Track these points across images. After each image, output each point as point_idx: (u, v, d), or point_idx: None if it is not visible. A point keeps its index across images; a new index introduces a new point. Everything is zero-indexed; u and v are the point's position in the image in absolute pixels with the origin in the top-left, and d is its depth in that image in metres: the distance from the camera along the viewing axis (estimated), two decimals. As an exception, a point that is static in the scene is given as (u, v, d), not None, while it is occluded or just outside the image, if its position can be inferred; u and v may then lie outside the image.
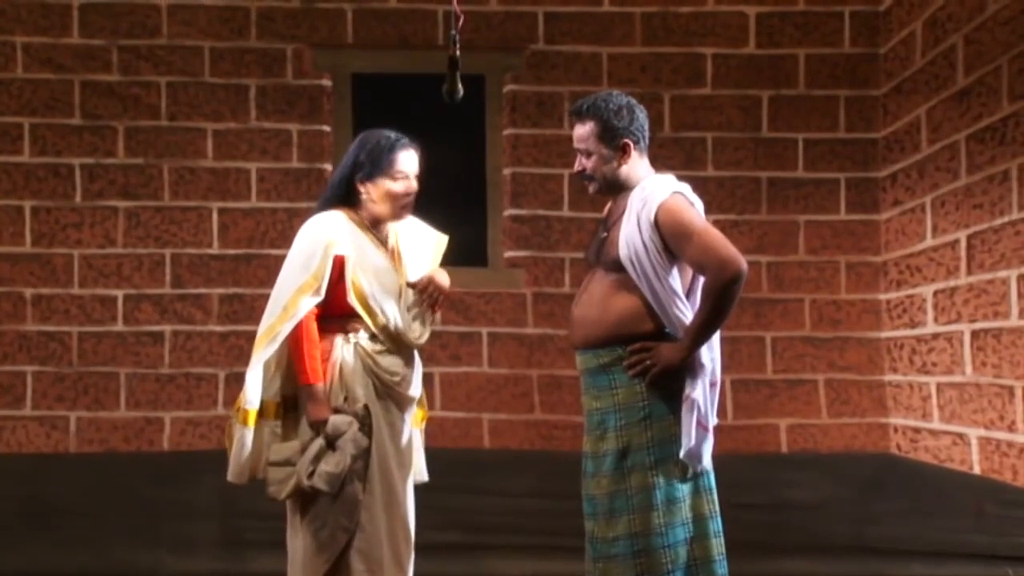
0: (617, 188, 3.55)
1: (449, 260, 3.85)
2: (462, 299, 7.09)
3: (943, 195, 6.44)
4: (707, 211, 7.35)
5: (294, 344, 3.42)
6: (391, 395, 3.50)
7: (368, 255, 3.45)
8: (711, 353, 3.42)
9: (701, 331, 3.31)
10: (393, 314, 3.47)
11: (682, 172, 7.60)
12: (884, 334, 7.21)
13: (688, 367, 3.33)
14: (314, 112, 7.24)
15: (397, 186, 3.46)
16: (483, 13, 7.19)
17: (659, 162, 7.46)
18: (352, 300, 3.41)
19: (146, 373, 7.02)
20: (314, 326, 3.42)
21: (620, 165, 3.54)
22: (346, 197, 3.52)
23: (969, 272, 6.16)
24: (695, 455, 3.35)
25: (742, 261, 3.35)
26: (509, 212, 7.24)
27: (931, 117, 6.60)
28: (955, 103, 6.32)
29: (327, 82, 7.31)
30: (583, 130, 3.52)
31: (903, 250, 6.94)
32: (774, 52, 7.32)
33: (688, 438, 3.32)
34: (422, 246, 3.67)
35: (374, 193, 3.46)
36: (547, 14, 7.29)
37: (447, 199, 7.11)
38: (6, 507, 5.67)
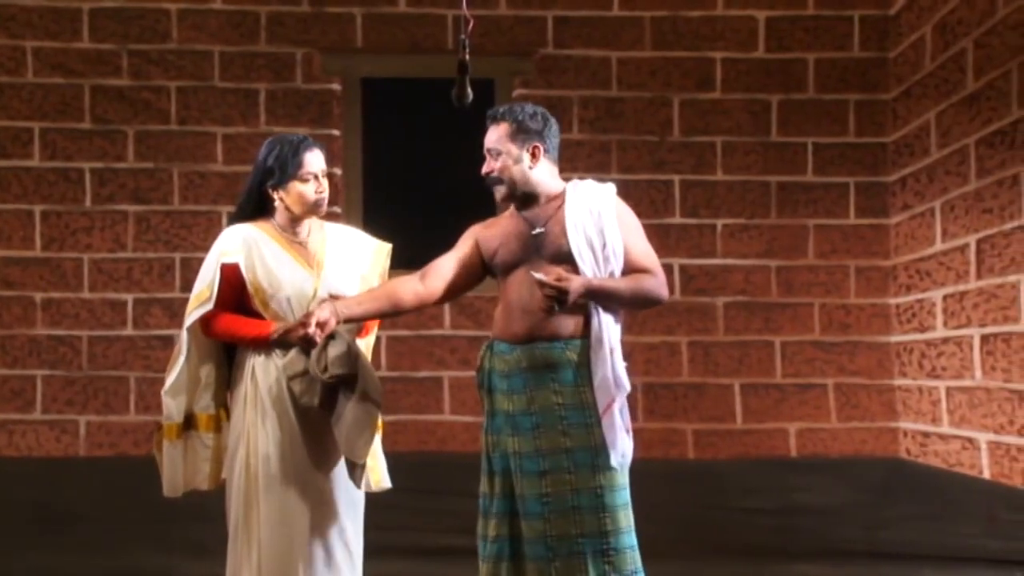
0: (523, 194, 3.39)
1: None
2: (471, 303, 7.10)
3: (952, 199, 6.44)
4: (717, 215, 7.33)
5: (226, 336, 3.44)
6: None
7: (270, 258, 3.44)
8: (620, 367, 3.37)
9: (615, 292, 3.22)
10: (300, 314, 3.43)
11: (692, 176, 7.68)
12: (893, 338, 7.20)
13: (620, 385, 3.31)
14: (324, 116, 7.26)
15: (307, 188, 3.46)
16: (493, 17, 7.21)
17: (668, 167, 7.55)
18: (256, 305, 3.41)
19: (156, 377, 7.01)
20: (226, 314, 3.41)
21: (530, 167, 3.42)
22: (260, 206, 3.52)
23: (979, 276, 6.15)
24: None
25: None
26: (518, 216, 7.22)
27: (940, 121, 6.60)
28: (964, 107, 6.32)
29: (337, 86, 7.33)
30: (496, 131, 3.37)
31: (912, 254, 6.94)
32: (783, 56, 7.32)
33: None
34: (352, 252, 3.64)
35: (287, 198, 3.46)
36: (556, 18, 7.31)
37: (456, 203, 7.13)
38: (16, 511, 5.68)
